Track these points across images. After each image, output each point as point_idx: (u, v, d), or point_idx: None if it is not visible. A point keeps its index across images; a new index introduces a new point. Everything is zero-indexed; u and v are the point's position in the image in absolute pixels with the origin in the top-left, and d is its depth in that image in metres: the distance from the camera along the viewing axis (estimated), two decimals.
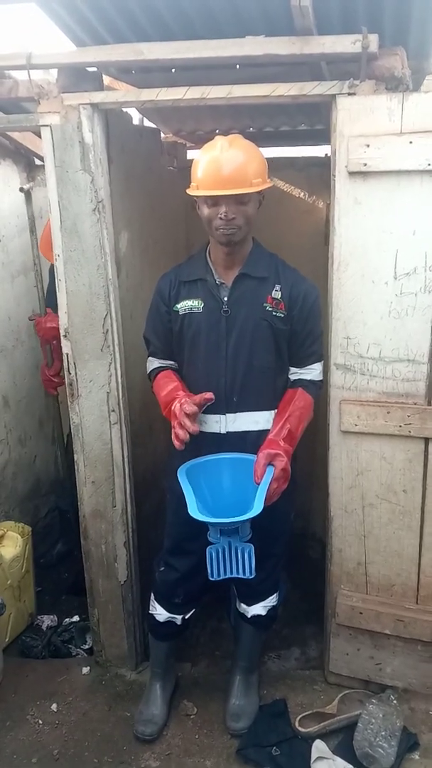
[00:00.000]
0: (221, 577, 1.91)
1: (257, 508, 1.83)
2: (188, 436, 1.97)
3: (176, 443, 1.99)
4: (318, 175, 3.34)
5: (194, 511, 1.84)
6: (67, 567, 3.53)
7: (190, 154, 3.61)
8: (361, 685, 2.53)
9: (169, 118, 3.30)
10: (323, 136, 3.49)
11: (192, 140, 3.61)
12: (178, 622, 2.37)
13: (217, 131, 3.47)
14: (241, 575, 1.91)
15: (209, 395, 2.03)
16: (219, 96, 2.09)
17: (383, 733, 2.25)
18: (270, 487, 1.89)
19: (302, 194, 3.41)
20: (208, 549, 1.90)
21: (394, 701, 2.38)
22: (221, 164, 1.95)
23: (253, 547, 1.91)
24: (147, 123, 3.33)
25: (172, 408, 2.03)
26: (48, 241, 2.36)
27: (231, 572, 1.91)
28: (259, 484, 1.92)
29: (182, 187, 3.41)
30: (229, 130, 3.43)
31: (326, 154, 3.53)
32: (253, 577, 1.91)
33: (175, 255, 3.22)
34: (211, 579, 1.92)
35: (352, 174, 2.04)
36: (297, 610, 3.10)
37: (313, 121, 3.34)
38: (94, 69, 2.24)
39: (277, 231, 3.05)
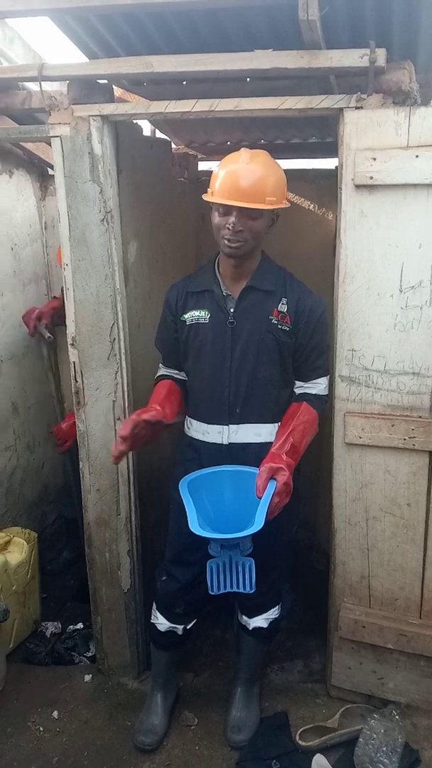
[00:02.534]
0: (221, 591, 1.90)
1: (258, 524, 1.82)
2: (117, 452, 1.98)
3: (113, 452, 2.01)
4: (328, 187, 3.35)
5: (195, 526, 1.84)
6: (73, 574, 3.54)
7: (202, 166, 3.63)
8: (363, 699, 2.51)
9: (181, 130, 3.34)
10: (333, 148, 3.51)
11: (203, 152, 3.64)
12: (180, 632, 2.37)
13: (228, 143, 3.50)
14: (241, 590, 1.90)
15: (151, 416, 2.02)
16: (227, 109, 2.11)
17: (384, 748, 2.23)
18: (272, 502, 1.88)
19: (312, 206, 3.42)
20: (208, 563, 1.90)
21: (396, 717, 2.36)
22: (239, 176, 1.96)
23: (253, 562, 1.90)
24: (159, 134, 3.37)
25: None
26: None
27: (231, 586, 1.90)
28: (260, 498, 1.91)
29: (193, 198, 3.46)
30: (240, 142, 3.47)
31: (336, 167, 3.55)
32: (253, 591, 1.91)
33: (185, 266, 3.24)
34: (210, 593, 1.91)
35: (358, 187, 2.05)
36: (301, 622, 3.09)
37: (324, 133, 3.36)
38: (104, 81, 2.27)
39: (287, 243, 3.06)
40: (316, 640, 2.94)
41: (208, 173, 3.61)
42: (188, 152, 3.52)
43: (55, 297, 3.47)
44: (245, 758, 2.29)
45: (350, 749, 2.29)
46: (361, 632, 2.40)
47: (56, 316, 3.22)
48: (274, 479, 1.93)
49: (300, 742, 2.33)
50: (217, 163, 3.46)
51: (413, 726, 2.41)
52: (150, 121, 3.12)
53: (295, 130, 3.30)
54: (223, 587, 1.90)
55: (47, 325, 3.23)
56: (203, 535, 1.83)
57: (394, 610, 2.38)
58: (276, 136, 3.38)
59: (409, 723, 2.41)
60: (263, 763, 2.25)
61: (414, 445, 2.18)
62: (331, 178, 3.39)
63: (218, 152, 3.56)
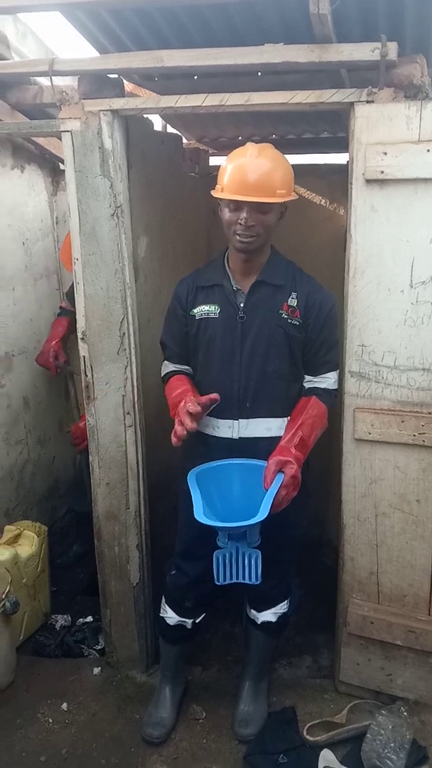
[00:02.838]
0: (226, 582, 1.91)
1: (262, 513, 1.82)
2: (185, 433, 1.98)
3: (173, 440, 2.00)
4: (339, 183, 3.32)
5: (200, 514, 1.85)
6: (83, 568, 3.56)
7: (213, 161, 3.63)
8: (371, 695, 2.51)
9: (191, 125, 3.33)
10: (345, 143, 3.49)
11: (215, 147, 3.63)
12: (189, 626, 2.38)
13: (239, 138, 3.49)
14: (247, 581, 1.91)
15: (215, 396, 2.05)
16: (237, 103, 2.10)
17: (392, 744, 2.23)
18: (279, 494, 1.89)
19: (323, 201, 3.41)
20: (215, 553, 1.90)
21: (404, 713, 2.35)
22: (248, 171, 1.96)
23: (260, 554, 1.90)
24: (170, 129, 3.36)
25: (178, 408, 2.05)
26: (68, 250, 2.39)
27: (237, 578, 1.91)
28: (267, 490, 1.92)
29: (204, 193, 3.44)
30: (251, 137, 3.46)
31: (347, 161, 3.54)
32: (258, 583, 1.91)
33: (196, 261, 3.23)
34: (216, 583, 1.92)
35: (369, 182, 2.04)
36: (310, 618, 3.09)
37: (336, 128, 3.34)
38: (115, 76, 2.27)
39: (298, 238, 3.05)
40: (324, 636, 2.94)
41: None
42: (199, 147, 3.52)
43: (59, 315, 3.46)
44: (252, 752, 2.29)
45: (357, 745, 2.29)
46: (369, 628, 2.40)
47: (66, 341, 3.33)
48: (282, 472, 1.93)
49: (307, 737, 2.33)
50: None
51: (421, 723, 2.40)
52: (161, 116, 3.11)
53: (307, 125, 3.28)
54: (228, 578, 1.91)
55: (66, 361, 3.33)
56: (207, 523, 1.84)
57: (402, 606, 2.37)
58: (287, 131, 3.37)
59: (417, 720, 2.40)
60: (270, 758, 2.25)
61: (424, 441, 2.17)
62: (343, 173, 3.37)
63: (229, 147, 3.51)
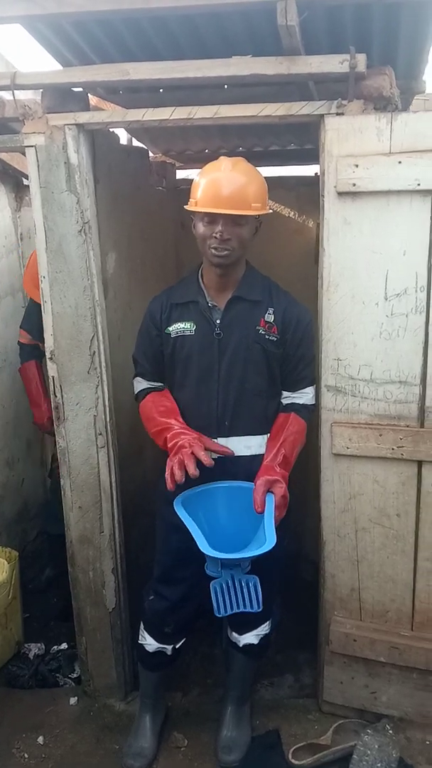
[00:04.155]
0: (228, 613, 1.84)
1: (270, 540, 1.77)
2: (183, 478, 1.90)
3: (169, 484, 1.92)
4: (307, 195, 3.33)
5: (206, 547, 1.78)
6: (55, 592, 3.46)
7: (180, 174, 3.60)
8: (355, 714, 2.46)
9: (158, 138, 3.29)
10: (312, 155, 3.48)
11: (181, 160, 3.60)
12: (169, 652, 2.31)
13: (206, 151, 3.47)
14: (248, 609, 1.84)
15: (230, 451, 2.03)
16: (206, 116, 2.07)
17: (379, 765, 2.19)
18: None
19: (292, 214, 3.40)
20: (211, 584, 1.83)
21: (390, 731, 2.32)
22: (222, 184, 1.93)
23: (258, 579, 1.84)
24: (135, 143, 3.32)
25: (178, 442, 1.98)
26: (32, 276, 2.28)
27: (238, 607, 1.84)
28: (260, 513, 1.87)
29: (171, 207, 3.42)
30: (218, 150, 3.43)
31: (316, 173, 3.53)
32: (261, 610, 1.85)
33: (165, 276, 3.19)
34: (217, 615, 1.85)
35: (341, 194, 2.02)
36: (290, 635, 3.03)
37: (302, 140, 3.34)
38: (79, 89, 2.22)
39: (268, 251, 3.02)
40: (305, 654, 2.89)
41: (187, 182, 3.58)
42: (166, 161, 3.48)
43: (24, 361, 3.19)
44: None
45: (344, 766, 2.24)
46: (352, 646, 2.36)
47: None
48: (271, 492, 1.89)
49: (293, 760, 2.27)
50: (196, 171, 3.42)
51: (407, 740, 2.36)
52: (126, 130, 3.07)
53: (274, 137, 3.27)
54: (229, 608, 1.84)
55: None
56: (217, 557, 1.78)
57: (385, 622, 2.34)
58: (255, 144, 3.35)
59: (403, 737, 2.37)
60: None
61: (402, 454, 2.15)
62: (311, 185, 3.37)
63: (196, 160, 3.53)
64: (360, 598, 2.35)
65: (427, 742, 2.36)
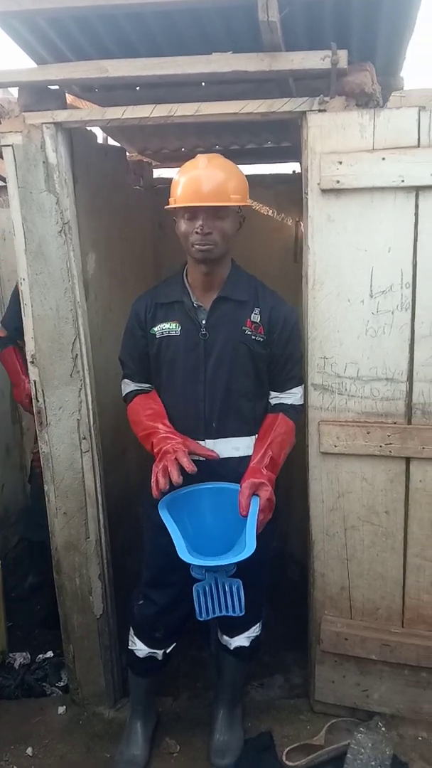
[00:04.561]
0: (210, 617, 1.82)
1: (250, 546, 1.75)
2: (167, 484, 1.88)
3: (155, 492, 1.90)
4: (286, 193, 3.32)
5: (184, 554, 1.76)
6: (39, 600, 3.40)
7: (157, 173, 3.56)
8: (347, 712, 2.46)
9: (134, 137, 3.25)
10: (290, 153, 3.48)
11: (157, 159, 3.56)
12: (159, 657, 2.28)
13: (182, 149, 3.44)
14: (231, 613, 1.82)
15: (215, 455, 2.03)
16: (186, 114, 2.04)
17: (373, 763, 2.18)
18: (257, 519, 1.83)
19: (271, 212, 3.38)
20: (194, 587, 1.81)
21: (383, 729, 2.31)
22: (201, 180, 1.92)
23: (241, 582, 1.82)
24: (111, 142, 3.27)
25: (163, 448, 1.95)
26: None
27: (220, 610, 1.82)
28: (244, 516, 1.84)
29: (149, 206, 3.38)
30: (195, 148, 3.40)
31: (294, 171, 3.52)
32: (243, 614, 1.83)
33: (144, 276, 3.16)
34: (199, 619, 1.82)
35: (325, 191, 2.00)
36: (278, 635, 3.01)
37: (280, 138, 3.32)
38: (56, 87, 2.17)
39: (247, 250, 3.00)
40: (294, 653, 2.88)
41: (164, 181, 3.56)
42: (143, 159, 3.44)
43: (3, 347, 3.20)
44: None
45: (338, 765, 2.23)
46: (343, 644, 2.35)
47: None
48: (257, 495, 1.87)
49: (287, 762, 2.26)
50: (173, 170, 3.39)
51: (400, 737, 2.37)
52: (103, 128, 3.02)
53: (251, 135, 3.25)
54: (212, 612, 1.82)
55: None
56: (195, 563, 1.75)
57: (375, 620, 2.34)
58: (231, 142, 3.33)
59: (396, 734, 2.37)
60: None
61: (390, 451, 2.14)
62: (290, 183, 3.38)
63: (173, 159, 3.50)
64: (350, 596, 2.34)
65: (420, 738, 2.37)
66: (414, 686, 2.34)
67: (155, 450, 1.98)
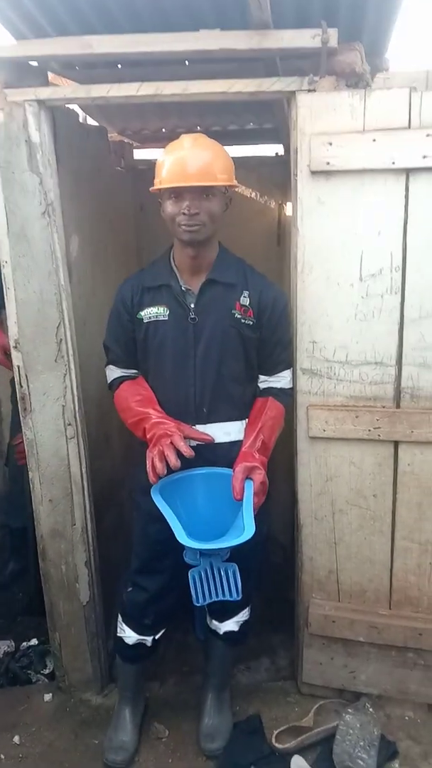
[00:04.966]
0: (207, 602, 1.81)
1: (249, 529, 1.74)
2: (164, 470, 1.86)
3: (152, 477, 1.88)
4: (269, 175, 3.29)
5: (183, 538, 1.74)
6: (20, 586, 3.36)
7: (137, 155, 3.50)
8: (335, 694, 2.48)
9: (114, 117, 3.19)
10: (272, 135, 3.45)
11: (137, 140, 3.50)
12: (149, 644, 2.27)
13: (163, 130, 3.38)
14: (227, 597, 1.81)
15: (210, 438, 2.00)
16: (174, 92, 2.00)
17: (362, 743, 2.20)
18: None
19: (254, 194, 3.35)
20: (190, 572, 1.79)
21: (370, 709, 2.34)
22: (186, 160, 1.88)
23: (236, 567, 1.81)
24: (90, 121, 3.21)
25: (157, 433, 1.93)
26: None
27: (216, 595, 1.81)
28: (239, 500, 1.83)
29: (131, 188, 3.33)
30: (175, 129, 3.35)
31: (276, 154, 3.49)
32: (240, 598, 1.82)
33: (126, 259, 3.11)
34: (196, 604, 1.81)
35: (314, 173, 1.98)
36: (263, 618, 3.01)
37: (262, 120, 3.28)
38: (35, 63, 2.11)
39: (229, 233, 2.96)
40: (279, 636, 2.89)
41: (145, 162, 3.49)
42: (123, 140, 3.38)
43: None
44: (222, 767, 2.21)
45: (327, 747, 2.25)
46: (331, 627, 2.36)
47: None
48: (250, 479, 1.86)
49: (276, 744, 2.27)
50: (154, 151, 3.34)
51: (387, 717, 2.39)
52: (82, 107, 2.96)
53: (233, 116, 3.20)
54: (208, 597, 1.81)
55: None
56: (196, 547, 1.74)
57: (363, 602, 2.35)
58: (213, 123, 3.28)
59: (383, 714, 2.39)
60: None
61: (379, 435, 2.15)
62: (273, 165, 3.35)
63: (153, 140, 3.44)
64: (338, 579, 2.35)
65: (407, 718, 2.40)
66: (401, 667, 2.37)
67: (148, 435, 1.95)
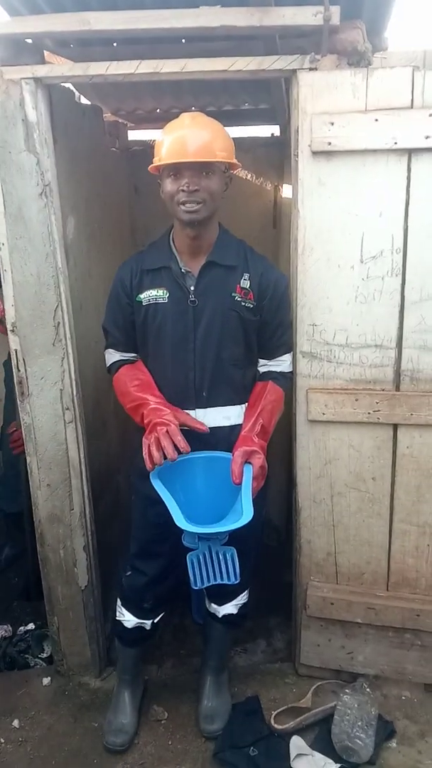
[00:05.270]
0: (204, 585, 1.81)
1: (247, 513, 1.74)
2: (161, 459, 1.85)
3: (149, 465, 1.87)
4: (265, 156, 3.26)
5: (182, 521, 1.73)
6: (15, 571, 3.36)
7: (131, 136, 3.45)
8: (332, 675, 2.50)
9: (108, 96, 3.14)
10: (266, 115, 3.41)
11: (131, 120, 3.45)
12: (148, 627, 2.27)
13: (157, 110, 3.33)
14: (225, 581, 1.81)
15: (205, 428, 1.98)
16: (173, 70, 1.96)
17: (360, 723, 2.22)
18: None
19: (249, 176, 3.31)
20: (188, 556, 1.79)
21: (368, 689, 2.35)
22: (186, 138, 1.86)
23: (235, 550, 1.81)
24: (83, 101, 3.15)
25: (153, 420, 1.91)
26: None
27: (215, 578, 1.81)
28: (238, 484, 1.83)
29: (126, 169, 3.28)
30: (170, 110, 3.31)
31: (272, 134, 3.46)
32: (238, 582, 1.82)
33: (121, 241, 3.08)
34: (194, 588, 1.81)
35: (315, 153, 1.95)
36: (258, 601, 3.03)
37: (257, 100, 3.24)
38: (29, 41, 2.06)
39: (224, 215, 2.93)
40: (275, 618, 2.91)
41: (139, 143, 3.45)
42: (118, 120, 3.33)
43: None
44: (222, 748, 2.22)
45: (325, 727, 2.27)
46: (329, 609, 2.37)
47: None
48: (249, 463, 1.86)
49: (275, 725, 2.29)
50: (147, 132, 3.28)
51: (384, 697, 2.42)
52: (76, 86, 2.91)
53: (229, 96, 3.16)
54: (206, 580, 1.81)
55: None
56: (195, 531, 1.73)
57: (361, 584, 2.36)
58: (209, 103, 3.23)
59: (380, 694, 2.42)
60: (241, 752, 2.19)
61: (378, 418, 2.14)
62: (268, 146, 3.32)
63: (147, 120, 3.39)
64: (336, 562, 2.36)
65: (403, 698, 2.42)
66: (398, 647, 2.39)
67: (146, 421, 1.94)
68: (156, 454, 1.84)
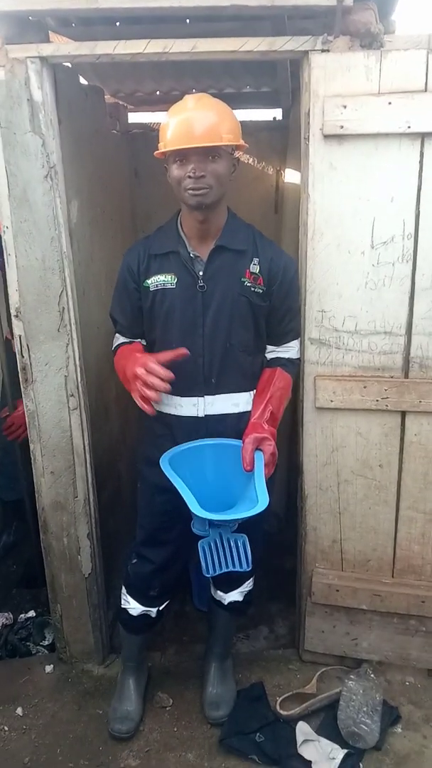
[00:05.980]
0: (216, 572, 1.80)
1: (263, 501, 1.73)
2: (159, 395, 1.82)
3: (147, 408, 1.84)
4: (267, 140, 3.22)
5: (198, 508, 1.72)
6: (14, 559, 3.34)
7: (131, 118, 3.40)
8: (336, 661, 2.50)
9: (108, 77, 3.08)
10: (268, 99, 3.37)
11: (131, 102, 3.40)
12: (153, 615, 2.26)
13: (157, 92, 3.28)
14: (237, 568, 1.80)
15: (183, 351, 1.89)
16: (183, 50, 1.92)
17: (365, 709, 2.23)
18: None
19: (251, 160, 3.28)
20: (199, 543, 1.78)
21: (372, 675, 2.36)
22: (192, 121, 1.80)
23: (246, 537, 1.80)
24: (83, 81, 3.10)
25: (130, 369, 1.88)
26: None
27: (227, 566, 1.80)
28: (249, 471, 1.81)
29: (127, 151, 3.24)
30: (171, 92, 3.26)
31: (274, 118, 3.42)
32: (250, 569, 1.81)
33: (122, 226, 3.04)
34: (206, 575, 1.80)
35: (327, 137, 1.93)
36: (260, 587, 3.02)
37: (260, 83, 3.20)
38: (34, 19, 2.01)
39: (227, 199, 2.91)
40: (277, 605, 2.92)
41: (138, 126, 3.40)
42: (118, 103, 3.27)
43: None
44: (228, 735, 2.22)
45: (331, 713, 2.28)
46: (334, 596, 2.37)
47: None
48: (260, 450, 1.84)
49: (281, 711, 2.29)
50: (148, 114, 3.22)
51: (388, 682, 2.43)
52: (74, 66, 2.85)
53: (231, 79, 3.11)
54: (218, 567, 1.80)
55: None
56: (210, 518, 1.72)
57: (366, 571, 2.36)
58: (210, 85, 3.19)
59: (384, 680, 2.43)
60: (247, 738, 2.20)
61: (387, 405, 2.13)
62: (271, 130, 3.28)
63: (147, 102, 3.35)
64: (342, 549, 2.36)
65: (407, 683, 2.43)
66: (402, 633, 2.39)
67: (128, 373, 1.91)
68: (151, 393, 1.81)
